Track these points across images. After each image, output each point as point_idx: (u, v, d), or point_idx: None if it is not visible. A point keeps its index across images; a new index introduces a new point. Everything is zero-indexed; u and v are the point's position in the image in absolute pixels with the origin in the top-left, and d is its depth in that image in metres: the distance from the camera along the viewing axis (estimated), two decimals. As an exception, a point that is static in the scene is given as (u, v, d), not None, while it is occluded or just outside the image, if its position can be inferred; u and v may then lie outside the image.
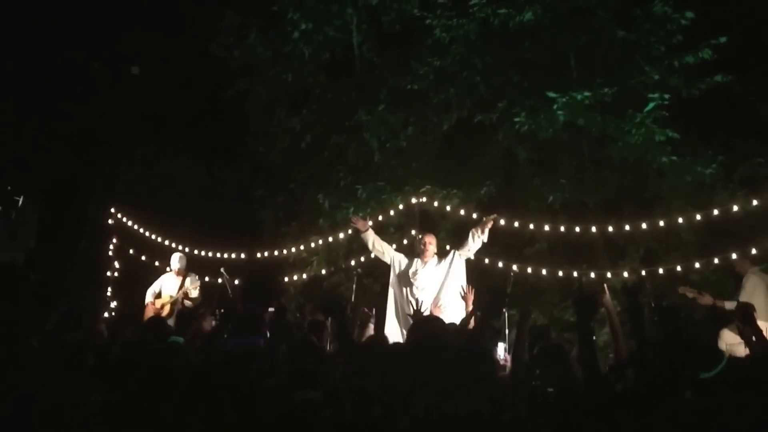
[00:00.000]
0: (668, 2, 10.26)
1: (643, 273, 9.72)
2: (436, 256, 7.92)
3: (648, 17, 10.42)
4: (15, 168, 11.20)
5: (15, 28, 11.21)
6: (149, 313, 9.36)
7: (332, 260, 10.98)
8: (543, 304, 10.31)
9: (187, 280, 9.65)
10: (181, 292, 9.48)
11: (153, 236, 11.27)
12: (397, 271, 7.99)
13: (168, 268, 9.99)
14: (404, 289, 7.86)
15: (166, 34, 11.90)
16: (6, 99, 11.43)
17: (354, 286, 9.77)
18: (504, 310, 8.76)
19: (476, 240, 7.87)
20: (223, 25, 11.54)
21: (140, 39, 12.11)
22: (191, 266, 10.14)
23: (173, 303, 9.46)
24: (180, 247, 10.77)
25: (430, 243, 7.93)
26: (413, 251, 8.32)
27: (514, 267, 9.44)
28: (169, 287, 9.62)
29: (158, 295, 9.60)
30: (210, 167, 11.92)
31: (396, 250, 10.11)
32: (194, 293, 9.46)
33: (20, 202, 10.92)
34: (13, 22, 11.18)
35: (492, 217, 7.93)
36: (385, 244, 8.17)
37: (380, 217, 10.47)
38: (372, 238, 8.10)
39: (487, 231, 7.83)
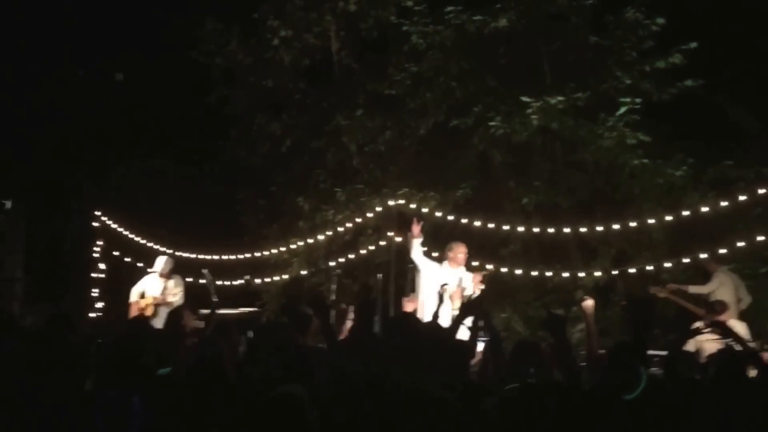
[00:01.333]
0: (640, 9, 10.29)
1: (615, 272, 9.78)
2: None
3: (620, 23, 10.46)
4: (3, 172, 11.20)
5: (1, 36, 11.23)
6: (133, 311, 9.35)
7: (312, 261, 10.98)
8: (517, 303, 10.33)
9: (170, 282, 9.59)
10: (161, 296, 9.44)
11: (137, 238, 11.30)
12: (430, 277, 7.91)
13: (148, 270, 9.92)
14: (433, 293, 7.86)
15: (150, 42, 11.91)
16: None
17: (334, 286, 9.78)
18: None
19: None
20: (205, 32, 11.54)
21: (124, 46, 12.12)
22: (175, 268, 10.13)
23: (156, 304, 9.43)
24: (163, 249, 10.78)
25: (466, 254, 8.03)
26: (439, 257, 8.36)
27: (490, 267, 9.46)
28: (152, 288, 9.57)
29: (142, 295, 9.55)
30: (193, 171, 11.92)
31: (373, 250, 10.26)
32: (172, 298, 9.42)
33: (8, 206, 10.89)
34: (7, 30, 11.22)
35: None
36: (421, 253, 8.12)
37: (358, 219, 10.50)
38: (418, 246, 8.06)
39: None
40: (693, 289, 8.91)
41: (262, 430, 2.97)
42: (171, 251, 10.69)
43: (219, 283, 10.11)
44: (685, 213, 9.18)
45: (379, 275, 9.58)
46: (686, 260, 9.30)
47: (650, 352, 8.34)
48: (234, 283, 10.74)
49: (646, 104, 10.16)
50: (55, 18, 11.39)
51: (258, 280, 10.80)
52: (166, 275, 9.54)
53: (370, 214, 10.36)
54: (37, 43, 11.53)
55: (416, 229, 8.00)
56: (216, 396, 3.87)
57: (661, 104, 10.38)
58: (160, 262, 9.65)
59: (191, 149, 12.33)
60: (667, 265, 9.46)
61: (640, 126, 10.09)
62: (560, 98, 9.97)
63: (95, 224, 11.38)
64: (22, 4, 11.22)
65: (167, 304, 9.27)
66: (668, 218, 9.31)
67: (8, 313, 9.77)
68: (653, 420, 3.80)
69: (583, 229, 9.60)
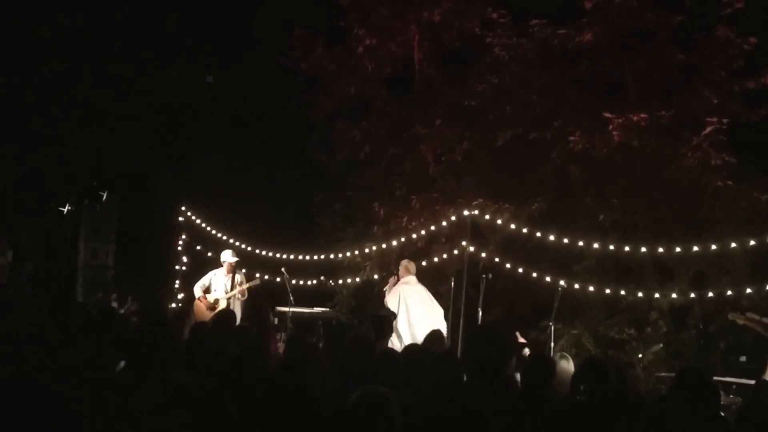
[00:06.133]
0: (731, 27, 9.80)
1: (692, 295, 9.34)
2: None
3: (709, 41, 10.00)
4: (101, 165, 11.58)
5: (106, 44, 11.67)
6: (200, 307, 9.41)
7: (384, 266, 10.92)
8: (589, 320, 9.97)
9: (237, 277, 9.66)
10: (237, 289, 9.51)
11: (218, 234, 11.50)
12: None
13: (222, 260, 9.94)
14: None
15: (241, 47, 12.12)
16: (99, 103, 11.87)
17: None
18: (550, 323, 8.61)
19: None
20: (292, 39, 11.64)
21: (215, 50, 12.37)
22: (252, 264, 10.23)
23: (228, 299, 9.51)
24: (243, 246, 10.91)
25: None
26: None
27: (562, 282, 9.22)
28: (219, 283, 9.61)
29: (207, 290, 9.60)
30: (274, 172, 12.06)
31: (446, 259, 10.15)
32: (241, 293, 9.53)
33: (104, 197, 11.21)
34: (104, 37, 11.64)
35: None
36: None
37: (432, 228, 10.38)
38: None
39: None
40: None
41: (351, 428, 2.94)
42: (249, 248, 10.83)
43: (293, 282, 10.19)
44: (771, 238, 8.73)
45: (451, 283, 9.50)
46: (768, 287, 8.83)
47: (728, 379, 7.97)
48: (308, 283, 10.79)
49: (733, 125, 9.69)
50: (155, 23, 11.74)
51: (331, 282, 10.82)
52: (233, 269, 9.60)
53: (443, 223, 10.23)
54: (138, 48, 11.90)
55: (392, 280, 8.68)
56: (305, 394, 3.90)
57: (751, 125, 9.85)
58: (227, 255, 9.68)
59: (274, 150, 12.46)
60: (748, 290, 8.99)
61: (726, 147, 9.63)
62: (643, 115, 9.59)
63: (180, 219, 11.65)
64: (128, 11, 11.63)
65: (244, 294, 9.38)
66: (752, 242, 8.86)
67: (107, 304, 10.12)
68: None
69: (660, 249, 9.23)
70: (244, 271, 10.09)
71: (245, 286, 9.56)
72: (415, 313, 8.24)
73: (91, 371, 4.18)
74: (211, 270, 9.83)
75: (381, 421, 2.91)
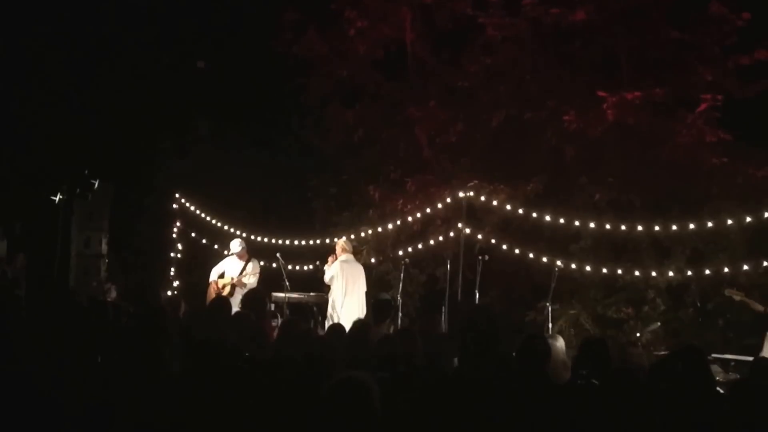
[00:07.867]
0: (725, 3, 9.63)
1: (689, 273, 9.24)
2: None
3: (703, 18, 9.82)
4: (92, 153, 11.33)
5: (97, 31, 11.43)
6: (211, 291, 9.36)
7: (381, 250, 10.77)
8: (586, 300, 9.85)
9: (249, 265, 9.53)
10: (238, 277, 9.38)
11: (213, 221, 11.32)
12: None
13: (226, 252, 9.87)
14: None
15: (232, 31, 11.86)
16: (87, 92, 11.63)
17: (401, 275, 9.57)
18: (548, 304, 8.48)
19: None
20: (283, 22, 11.38)
21: (207, 35, 12.10)
22: (251, 251, 10.07)
23: (233, 285, 9.39)
24: (237, 232, 10.75)
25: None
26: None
27: (559, 262, 9.10)
28: (231, 269, 9.53)
29: (221, 275, 9.54)
30: (268, 157, 11.85)
31: (441, 241, 9.98)
32: (249, 279, 9.33)
33: (96, 185, 10.99)
34: (95, 24, 11.40)
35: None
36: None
37: (428, 210, 10.23)
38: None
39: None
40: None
41: (328, 413, 2.86)
42: (245, 234, 10.65)
43: (289, 267, 10.02)
44: (767, 214, 8.64)
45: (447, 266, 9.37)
46: (766, 263, 8.74)
47: (727, 356, 7.87)
48: (304, 268, 10.62)
49: (728, 101, 9.55)
50: (146, 7, 11.49)
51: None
52: (245, 256, 9.48)
53: (439, 205, 10.07)
54: (126, 32, 11.64)
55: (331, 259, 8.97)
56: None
57: (745, 102, 9.71)
58: (235, 244, 9.58)
59: (267, 136, 12.24)
60: (745, 267, 8.90)
61: (720, 123, 9.50)
62: (637, 93, 9.44)
63: (174, 206, 11.45)
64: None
65: (243, 285, 9.21)
66: (748, 219, 8.78)
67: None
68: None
69: (656, 228, 9.13)
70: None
71: (251, 273, 9.40)
72: (351, 285, 8.76)
73: (85, 361, 4.04)
74: (227, 257, 9.74)
75: (359, 407, 2.81)
